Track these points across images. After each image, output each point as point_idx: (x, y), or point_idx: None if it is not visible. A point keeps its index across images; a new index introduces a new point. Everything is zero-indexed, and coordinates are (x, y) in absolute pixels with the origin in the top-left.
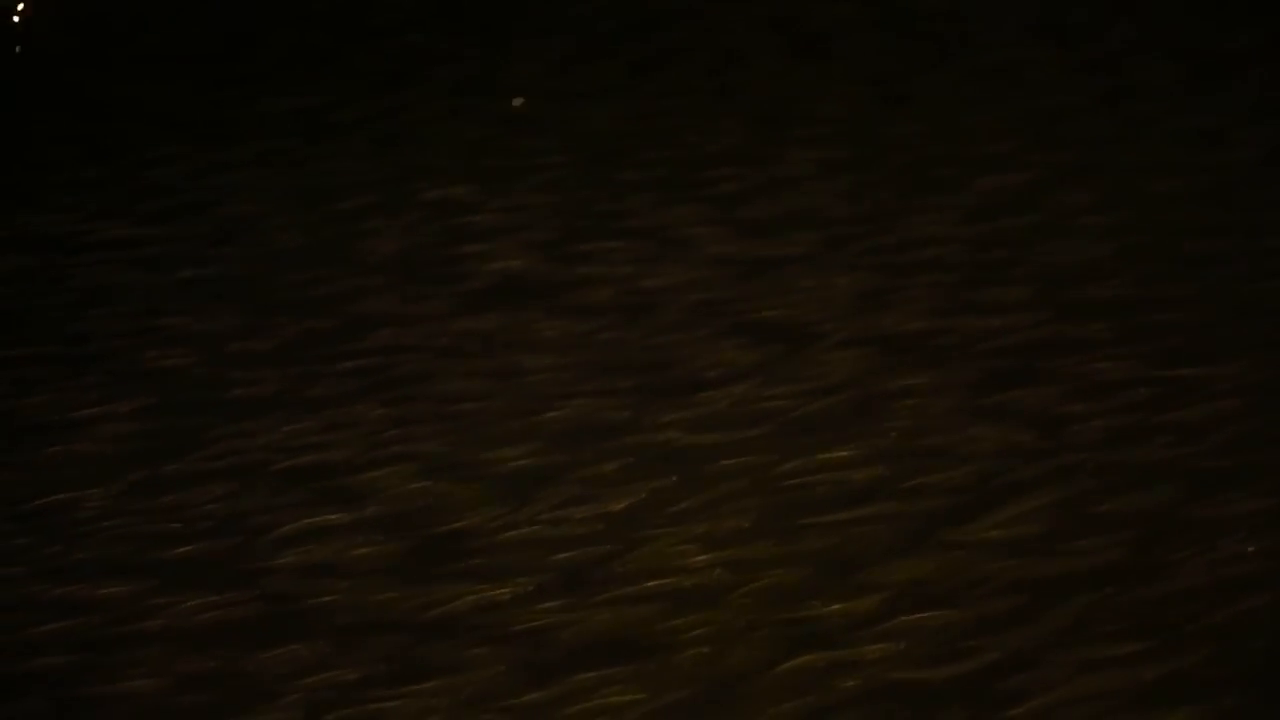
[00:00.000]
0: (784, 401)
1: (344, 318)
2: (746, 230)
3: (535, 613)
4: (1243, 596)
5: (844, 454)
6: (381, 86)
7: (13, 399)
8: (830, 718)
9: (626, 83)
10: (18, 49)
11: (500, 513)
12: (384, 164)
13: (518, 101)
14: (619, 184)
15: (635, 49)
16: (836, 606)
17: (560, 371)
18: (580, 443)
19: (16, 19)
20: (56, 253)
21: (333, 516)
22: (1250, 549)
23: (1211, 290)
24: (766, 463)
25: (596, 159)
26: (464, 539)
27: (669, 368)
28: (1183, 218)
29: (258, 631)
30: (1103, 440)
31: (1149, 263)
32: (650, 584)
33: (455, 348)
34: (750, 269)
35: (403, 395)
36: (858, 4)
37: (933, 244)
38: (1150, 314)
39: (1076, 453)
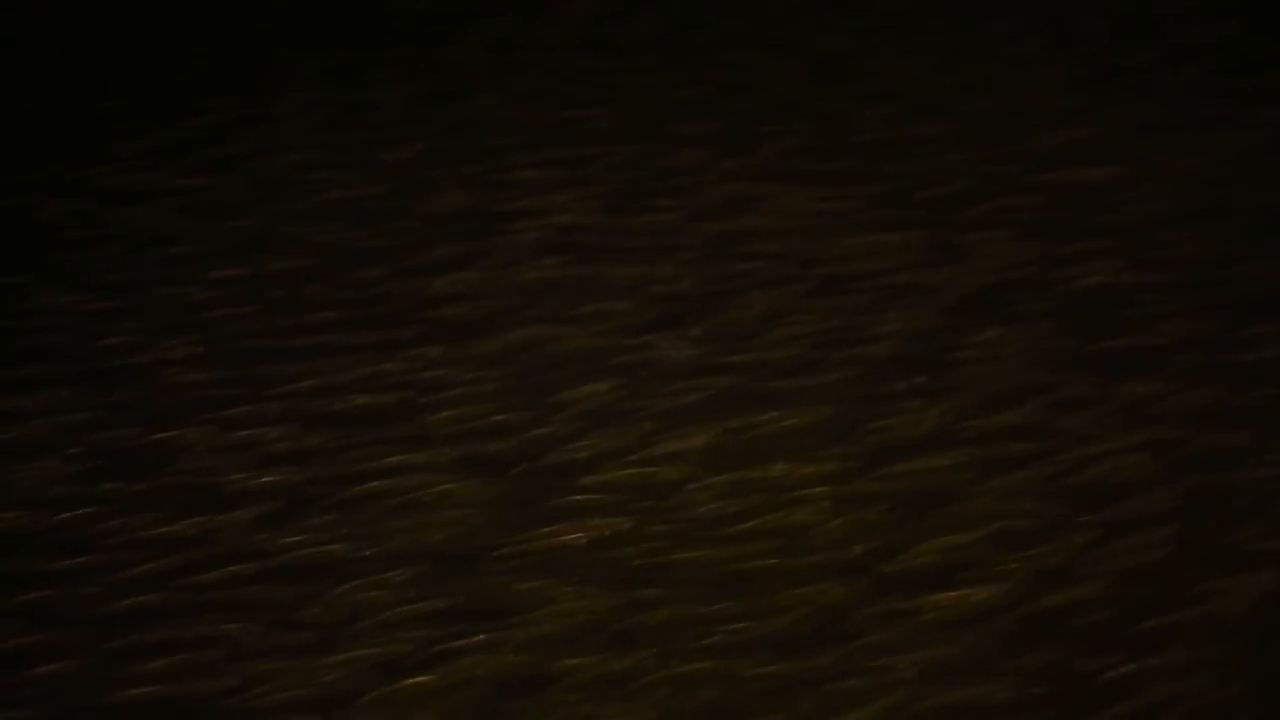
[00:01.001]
0: (853, 349)
1: (402, 266)
2: (810, 183)
3: (627, 548)
4: None
5: (918, 401)
6: (419, 42)
7: (70, 343)
8: (933, 649)
9: (674, 37)
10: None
11: (580, 450)
12: (430, 118)
13: None
14: (674, 137)
15: (681, 5)
16: (930, 545)
17: (627, 316)
18: (654, 382)
19: None
20: (105, 201)
21: (411, 455)
22: None
23: None
24: (841, 407)
25: (650, 112)
26: (549, 476)
27: (735, 314)
28: (1254, 171)
29: (347, 567)
30: (1178, 386)
31: (1222, 216)
32: (742, 522)
33: (521, 293)
34: (815, 221)
35: (471, 337)
36: None
37: (1000, 195)
38: (1225, 266)
39: (1151, 400)
